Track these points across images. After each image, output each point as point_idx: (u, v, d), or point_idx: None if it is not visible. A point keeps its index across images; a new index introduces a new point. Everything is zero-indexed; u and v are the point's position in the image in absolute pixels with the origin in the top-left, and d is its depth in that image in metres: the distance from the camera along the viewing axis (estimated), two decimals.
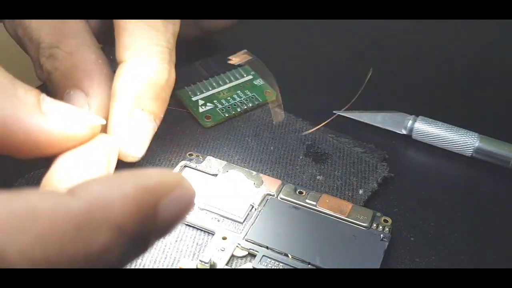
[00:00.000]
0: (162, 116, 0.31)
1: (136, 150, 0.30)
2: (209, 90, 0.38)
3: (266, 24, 0.45)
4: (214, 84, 0.39)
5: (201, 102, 0.38)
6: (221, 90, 0.39)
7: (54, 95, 0.30)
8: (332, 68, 0.43)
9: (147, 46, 0.30)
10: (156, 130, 0.30)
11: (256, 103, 0.38)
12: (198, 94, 0.38)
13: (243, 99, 0.38)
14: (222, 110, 0.37)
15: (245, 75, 0.40)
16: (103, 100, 0.30)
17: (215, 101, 0.38)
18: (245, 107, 0.38)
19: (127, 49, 0.30)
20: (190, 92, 0.38)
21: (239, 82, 0.39)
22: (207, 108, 0.37)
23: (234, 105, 0.38)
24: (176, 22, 0.32)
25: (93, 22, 0.34)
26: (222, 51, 0.42)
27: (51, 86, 0.31)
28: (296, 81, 0.42)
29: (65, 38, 0.31)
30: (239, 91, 0.39)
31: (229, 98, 0.38)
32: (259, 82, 0.39)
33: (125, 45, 0.30)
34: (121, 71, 0.30)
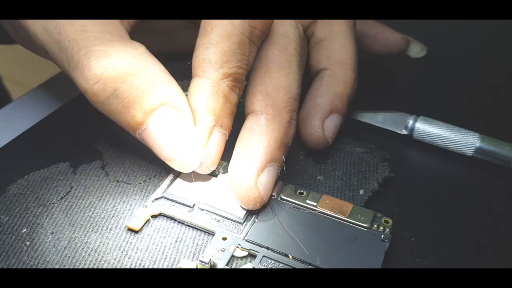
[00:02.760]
0: (231, 129, 0.31)
1: (214, 164, 0.31)
2: None
3: None
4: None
5: None
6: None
7: (127, 115, 0.29)
8: None
9: (231, 67, 0.30)
10: None
11: (242, 109, 0.38)
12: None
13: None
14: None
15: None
16: (191, 113, 0.30)
17: None
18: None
19: (210, 65, 0.30)
20: (181, 88, 0.37)
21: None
22: None
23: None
24: (259, 43, 0.32)
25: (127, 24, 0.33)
26: None
27: (120, 105, 0.29)
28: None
29: (120, 44, 0.29)
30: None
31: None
32: None
33: (209, 60, 0.30)
34: (199, 87, 0.30)
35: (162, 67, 0.30)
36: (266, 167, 0.30)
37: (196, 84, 0.30)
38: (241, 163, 0.30)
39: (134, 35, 0.31)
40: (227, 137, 0.31)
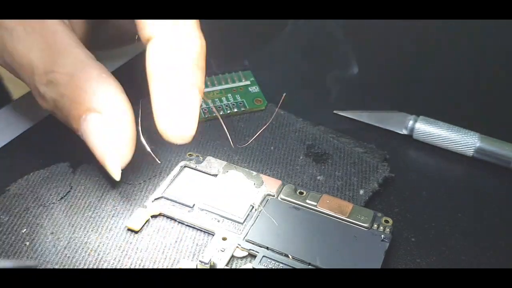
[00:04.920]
0: (204, 87, 0.29)
1: (189, 129, 0.28)
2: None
3: (266, 23, 0.45)
4: (208, 83, 0.39)
5: None
6: (213, 90, 0.39)
7: (67, 122, 0.30)
8: (332, 68, 0.43)
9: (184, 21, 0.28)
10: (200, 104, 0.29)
11: (242, 109, 0.38)
12: None
13: (230, 103, 0.38)
14: (204, 110, 0.37)
15: (243, 80, 0.40)
16: (121, 113, 0.29)
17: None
18: (229, 111, 0.37)
19: (153, 24, 0.28)
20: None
21: (234, 86, 0.39)
22: None
23: (218, 107, 0.37)
24: None
25: (77, 25, 0.33)
26: (223, 51, 0.42)
27: (61, 114, 0.30)
28: (297, 81, 0.42)
29: (57, 58, 0.29)
30: (230, 94, 0.38)
31: (216, 99, 0.38)
32: (254, 89, 0.39)
33: (150, 20, 0.28)
34: (152, 49, 0.28)
35: (96, 72, 0.29)
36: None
37: (151, 47, 0.29)
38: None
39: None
40: (201, 97, 0.29)
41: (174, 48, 0.28)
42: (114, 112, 0.29)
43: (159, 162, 0.32)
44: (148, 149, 0.31)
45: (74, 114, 0.29)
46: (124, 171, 0.33)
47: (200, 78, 0.29)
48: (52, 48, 0.30)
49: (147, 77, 0.28)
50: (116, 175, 0.29)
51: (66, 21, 0.32)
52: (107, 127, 0.29)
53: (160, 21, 0.28)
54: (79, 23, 0.34)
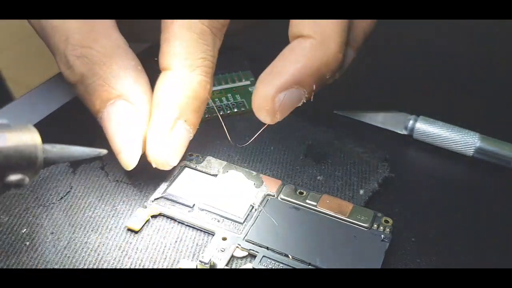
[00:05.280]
0: (197, 127, 0.31)
1: (174, 160, 0.31)
2: None
3: (266, 24, 0.45)
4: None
5: None
6: (213, 90, 0.38)
7: (88, 100, 0.30)
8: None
9: (196, 58, 0.30)
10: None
11: (242, 109, 0.38)
12: None
13: (230, 103, 0.38)
14: (204, 110, 0.37)
15: (243, 80, 0.40)
16: (148, 110, 0.30)
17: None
18: (229, 111, 0.37)
19: (175, 57, 0.30)
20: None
21: (234, 86, 0.39)
22: None
23: (218, 107, 0.37)
24: (221, 37, 0.32)
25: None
26: (224, 51, 0.42)
27: (84, 90, 0.30)
28: None
29: (98, 36, 0.30)
30: (230, 94, 0.38)
31: (216, 99, 0.38)
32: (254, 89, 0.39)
33: (174, 52, 0.30)
34: (165, 80, 0.30)
35: (134, 62, 0.30)
36: (291, 87, 0.29)
37: (161, 77, 0.30)
38: (268, 74, 0.29)
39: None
40: (192, 135, 0.31)
41: (187, 87, 0.30)
42: (144, 106, 0.30)
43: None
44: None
45: (102, 96, 0.30)
46: (124, 171, 0.33)
47: (198, 119, 0.31)
48: (93, 24, 0.30)
49: (153, 103, 0.30)
50: (131, 165, 0.30)
51: None
52: (134, 117, 0.30)
53: (183, 58, 0.30)
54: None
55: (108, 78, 0.29)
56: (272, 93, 0.29)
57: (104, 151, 0.26)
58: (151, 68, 0.32)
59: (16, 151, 0.21)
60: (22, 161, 0.21)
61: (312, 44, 0.29)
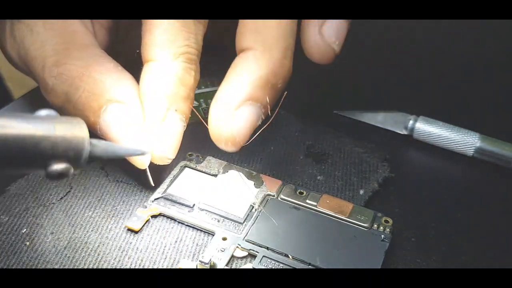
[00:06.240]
0: (189, 115, 0.30)
1: (171, 152, 0.30)
2: (201, 88, 0.38)
3: None
4: (208, 82, 0.39)
5: None
6: (213, 90, 0.38)
7: (82, 117, 0.28)
8: (332, 67, 0.43)
9: (179, 46, 0.29)
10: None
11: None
12: None
13: None
14: (205, 110, 0.37)
15: None
16: (140, 106, 0.29)
17: (201, 100, 0.37)
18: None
19: (157, 47, 0.29)
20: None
21: None
22: None
23: None
24: (205, 23, 0.31)
25: (99, 33, 0.34)
26: (223, 52, 0.42)
27: (73, 108, 0.29)
28: (297, 81, 0.42)
29: (72, 52, 0.30)
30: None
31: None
32: None
33: (155, 42, 0.29)
34: (150, 70, 0.29)
35: (112, 64, 0.30)
36: (243, 104, 0.28)
37: (145, 68, 0.30)
38: (218, 98, 0.29)
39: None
40: (185, 124, 0.30)
41: (172, 75, 0.29)
42: (136, 102, 0.29)
43: (153, 185, 0.31)
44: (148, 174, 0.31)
45: (93, 106, 0.29)
46: (124, 171, 0.33)
47: (188, 107, 0.30)
48: (68, 43, 0.30)
49: (141, 96, 0.30)
50: (146, 163, 0.29)
51: (90, 28, 0.33)
52: (131, 117, 0.29)
53: (166, 47, 0.29)
54: (101, 35, 0.34)
55: (92, 87, 0.29)
56: (228, 114, 0.28)
57: (147, 151, 0.26)
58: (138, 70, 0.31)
59: (64, 140, 0.21)
60: (69, 151, 0.21)
61: (254, 55, 0.29)
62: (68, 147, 0.21)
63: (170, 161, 0.30)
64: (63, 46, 0.30)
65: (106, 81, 0.29)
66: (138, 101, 0.29)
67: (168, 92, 0.29)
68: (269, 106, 0.29)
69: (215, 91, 0.34)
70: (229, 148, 0.29)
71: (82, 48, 0.30)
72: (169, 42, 0.29)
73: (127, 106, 0.29)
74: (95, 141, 0.23)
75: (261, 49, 0.29)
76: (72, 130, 0.21)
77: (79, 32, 0.31)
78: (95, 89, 0.29)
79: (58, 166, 0.21)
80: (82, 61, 0.29)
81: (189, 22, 0.30)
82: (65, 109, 0.30)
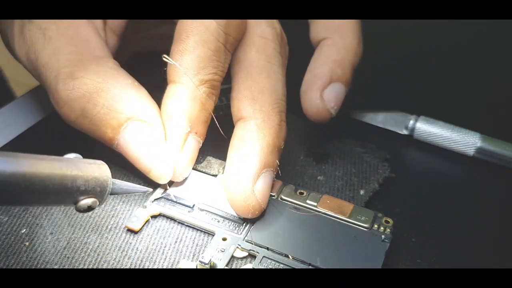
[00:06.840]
0: (205, 133, 0.31)
1: (187, 171, 0.31)
2: None
3: None
4: None
5: None
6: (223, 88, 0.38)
7: (97, 132, 0.30)
8: None
9: (207, 74, 0.30)
10: None
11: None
12: None
13: (230, 103, 0.38)
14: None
15: None
16: (161, 122, 0.30)
17: None
18: (229, 111, 0.37)
19: (186, 71, 0.30)
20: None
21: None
22: None
23: (219, 107, 0.37)
24: (232, 52, 0.32)
25: (111, 40, 0.34)
26: None
27: (89, 123, 0.29)
28: (297, 81, 0.42)
29: (87, 64, 0.29)
30: (230, 94, 0.38)
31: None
32: None
33: (185, 66, 0.30)
34: (175, 93, 0.30)
35: (130, 80, 0.30)
36: (261, 173, 0.29)
37: (172, 90, 0.30)
38: (236, 172, 0.29)
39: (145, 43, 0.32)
40: (201, 144, 0.31)
41: (196, 100, 0.30)
42: (159, 123, 0.30)
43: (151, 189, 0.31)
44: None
45: (112, 123, 0.29)
46: (124, 171, 0.33)
47: (206, 129, 0.31)
48: (82, 53, 0.30)
49: (164, 116, 0.31)
50: (167, 178, 0.30)
51: (102, 35, 0.33)
52: (152, 135, 0.29)
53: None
54: (113, 42, 0.35)
55: (111, 104, 0.29)
56: (250, 188, 0.29)
57: (150, 189, 0.29)
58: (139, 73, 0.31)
59: (94, 178, 0.24)
60: (97, 187, 0.25)
61: (256, 124, 0.30)
62: (96, 184, 0.25)
63: (183, 178, 0.31)
64: (78, 57, 0.30)
65: (125, 98, 0.29)
66: (160, 121, 0.30)
67: (192, 117, 0.30)
68: (278, 168, 0.30)
69: (223, 89, 0.35)
70: (256, 215, 0.29)
71: (96, 61, 0.30)
72: (199, 69, 0.30)
73: (149, 125, 0.29)
74: (114, 180, 0.26)
75: (260, 117, 0.30)
76: (99, 171, 0.25)
77: (92, 42, 0.31)
78: (115, 105, 0.29)
79: (88, 200, 0.24)
80: (98, 76, 0.29)
81: (221, 51, 0.30)
82: (79, 124, 0.30)
